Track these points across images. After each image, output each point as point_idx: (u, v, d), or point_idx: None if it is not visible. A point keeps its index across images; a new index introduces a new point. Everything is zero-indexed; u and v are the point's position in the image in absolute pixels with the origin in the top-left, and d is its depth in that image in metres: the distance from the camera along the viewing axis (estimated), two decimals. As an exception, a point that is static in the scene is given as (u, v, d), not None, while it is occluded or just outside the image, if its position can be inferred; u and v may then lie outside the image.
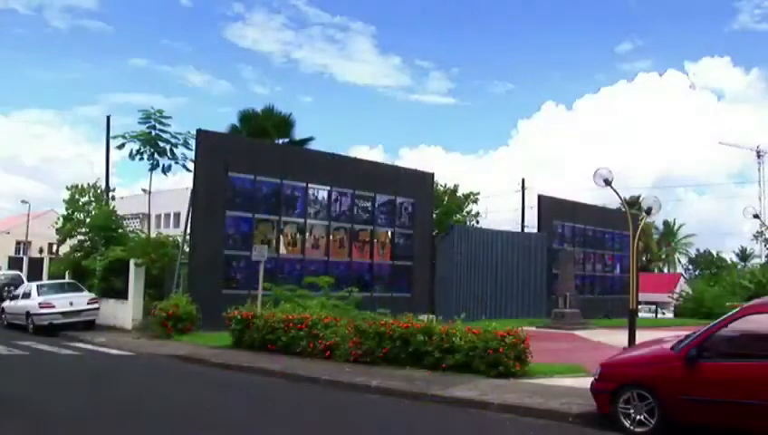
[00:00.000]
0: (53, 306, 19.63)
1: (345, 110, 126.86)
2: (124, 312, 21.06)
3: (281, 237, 21.77)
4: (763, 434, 6.79)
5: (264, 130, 26.90)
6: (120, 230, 24.55)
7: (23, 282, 24.83)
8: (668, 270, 72.85)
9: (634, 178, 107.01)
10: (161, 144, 21.55)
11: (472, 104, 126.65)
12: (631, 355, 8.49)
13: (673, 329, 17.32)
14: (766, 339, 7.24)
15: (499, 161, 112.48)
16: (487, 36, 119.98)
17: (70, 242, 26.52)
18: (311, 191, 22.55)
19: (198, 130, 20.19)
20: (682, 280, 57.22)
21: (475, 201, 34.94)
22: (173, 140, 21.63)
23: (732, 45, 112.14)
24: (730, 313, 7.60)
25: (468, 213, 34.74)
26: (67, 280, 23.48)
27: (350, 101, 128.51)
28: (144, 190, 28.63)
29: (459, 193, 34.38)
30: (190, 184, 20.52)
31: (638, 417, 7.39)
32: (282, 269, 21.30)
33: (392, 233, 25.01)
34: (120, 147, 21.96)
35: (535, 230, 31.04)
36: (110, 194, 27.92)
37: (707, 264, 70.37)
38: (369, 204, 24.25)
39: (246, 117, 27.86)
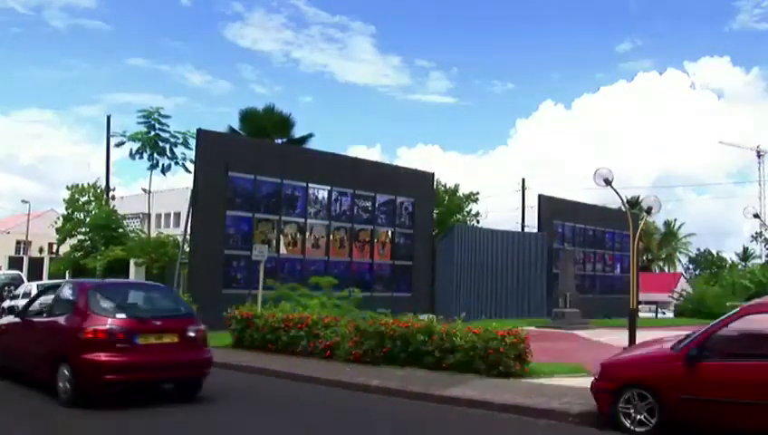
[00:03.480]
0: (54, 306, 19.58)
1: (344, 109, 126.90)
2: (124, 311, 21.00)
3: (281, 237, 21.76)
4: (763, 434, 6.79)
5: (264, 130, 26.93)
6: (120, 230, 24.60)
7: (23, 282, 24.81)
8: (669, 270, 72.88)
9: (634, 178, 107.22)
10: (161, 143, 21.58)
11: (471, 104, 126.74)
12: (631, 355, 8.49)
13: (673, 329, 17.32)
14: (766, 339, 7.24)
15: (498, 161, 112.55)
16: (487, 36, 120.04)
17: (70, 242, 26.54)
18: (311, 191, 22.54)
19: (199, 130, 20.21)
20: (682, 280, 57.24)
21: (475, 201, 35.04)
22: (172, 140, 21.68)
23: (732, 45, 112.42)
24: (730, 313, 7.60)
25: (468, 213, 34.80)
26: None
27: (350, 100, 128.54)
28: (144, 190, 28.67)
29: (459, 193, 34.45)
30: (190, 184, 20.53)
31: (638, 417, 7.38)
32: (282, 269, 21.30)
33: (392, 233, 24.99)
34: (119, 145, 22.02)
35: (535, 230, 31.05)
36: (111, 194, 27.98)
37: (708, 263, 70.41)
38: (369, 204, 24.24)
39: (246, 116, 27.88)
